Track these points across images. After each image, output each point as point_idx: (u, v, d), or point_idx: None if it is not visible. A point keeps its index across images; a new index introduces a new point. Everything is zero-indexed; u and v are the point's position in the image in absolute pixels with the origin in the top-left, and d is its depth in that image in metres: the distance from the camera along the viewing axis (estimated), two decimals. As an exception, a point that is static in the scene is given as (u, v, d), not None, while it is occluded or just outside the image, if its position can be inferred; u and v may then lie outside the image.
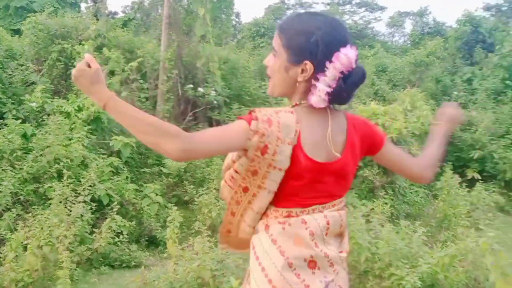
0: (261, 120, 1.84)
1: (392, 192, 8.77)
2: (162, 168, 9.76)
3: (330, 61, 1.88)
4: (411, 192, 9.64)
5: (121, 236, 7.29)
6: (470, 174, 12.24)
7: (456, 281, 5.66)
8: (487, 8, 29.32)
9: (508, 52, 15.99)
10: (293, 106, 1.98)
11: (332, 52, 1.88)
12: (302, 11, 2.12)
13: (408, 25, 32.38)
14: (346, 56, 1.89)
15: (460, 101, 15.03)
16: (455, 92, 15.96)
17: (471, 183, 10.69)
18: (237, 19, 26.42)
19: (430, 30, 25.01)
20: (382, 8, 34.25)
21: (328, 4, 34.06)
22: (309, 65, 1.90)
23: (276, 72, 1.99)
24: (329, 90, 1.90)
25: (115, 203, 7.53)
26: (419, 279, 5.27)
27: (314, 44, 1.90)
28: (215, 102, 12.41)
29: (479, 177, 11.84)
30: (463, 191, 9.23)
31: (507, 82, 15.57)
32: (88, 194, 7.29)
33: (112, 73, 10.56)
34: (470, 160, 12.73)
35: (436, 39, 18.05)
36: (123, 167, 9.02)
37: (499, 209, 10.49)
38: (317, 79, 1.91)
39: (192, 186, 9.24)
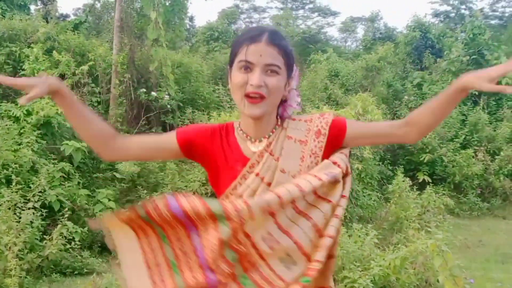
0: None
1: (345, 196, 8.85)
2: (115, 173, 9.62)
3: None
4: (364, 196, 9.75)
5: (72, 243, 7.18)
6: (420, 177, 12.49)
7: (408, 283, 5.77)
8: (436, 14, 30.04)
9: (456, 57, 16.38)
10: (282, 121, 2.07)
11: None
12: (270, 25, 2.10)
13: (360, 30, 32.76)
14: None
15: (410, 105, 15.33)
16: (406, 97, 16.23)
17: (421, 186, 10.91)
18: (190, 23, 26.32)
19: (382, 36, 25.39)
20: (335, 14, 34.69)
21: (282, 9, 34.33)
22: (292, 79, 2.02)
23: (278, 91, 1.95)
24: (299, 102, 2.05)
25: (67, 209, 7.40)
26: (371, 282, 5.35)
27: (294, 57, 2.01)
28: (168, 106, 12.34)
29: (430, 180, 12.11)
30: (414, 194, 9.40)
31: (456, 87, 15.88)
32: (38, 200, 7.15)
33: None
34: (420, 163, 12.99)
35: (387, 44, 18.29)
36: (75, 172, 8.87)
37: (448, 211, 10.70)
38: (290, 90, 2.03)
39: (145, 191, 9.15)
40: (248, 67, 1.91)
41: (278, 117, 2.07)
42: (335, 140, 2.04)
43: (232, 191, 2.02)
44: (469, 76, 1.87)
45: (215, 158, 2.07)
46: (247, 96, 1.91)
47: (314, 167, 1.98)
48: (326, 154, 2.02)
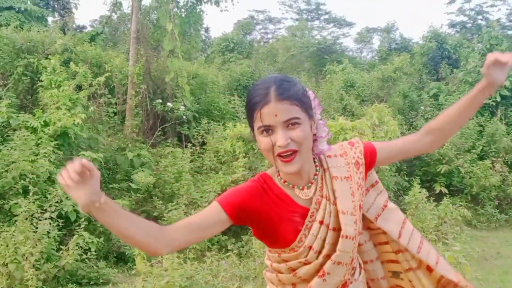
0: None
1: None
2: (130, 184, 9.66)
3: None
4: (380, 207, 9.69)
5: (88, 253, 7.20)
6: (437, 188, 12.39)
7: (425, 295, 5.69)
8: (452, 25, 29.89)
9: (472, 68, 16.28)
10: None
11: None
12: (273, 74, 2.09)
13: (376, 41, 32.72)
14: (313, 97, 2.06)
15: (427, 116, 15.25)
16: (422, 107, 16.16)
17: (438, 197, 10.83)
18: (206, 34, 26.43)
19: (397, 46, 25.34)
20: (350, 24, 34.63)
21: (297, 19, 34.33)
22: (312, 117, 2.01)
23: (306, 140, 1.93)
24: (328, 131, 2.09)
25: (83, 219, 7.43)
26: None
27: (308, 93, 2.02)
28: (184, 117, 12.38)
29: (446, 191, 12.01)
30: (431, 205, 9.34)
31: (472, 97, 15.80)
32: (54, 211, 7.19)
33: (79, 87, 10.45)
34: (437, 174, 12.89)
35: (403, 55, 18.26)
36: (91, 183, 8.89)
37: (465, 222, 10.62)
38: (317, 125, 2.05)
39: (161, 202, 9.16)
40: (269, 129, 1.89)
41: (314, 155, 2.08)
42: (370, 165, 2.13)
43: (299, 243, 2.01)
44: (489, 86, 2.06)
45: (269, 216, 2.02)
46: (279, 156, 1.90)
47: (362, 198, 2.08)
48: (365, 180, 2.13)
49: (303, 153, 1.93)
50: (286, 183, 2.04)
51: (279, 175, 2.06)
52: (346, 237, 1.98)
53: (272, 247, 2.10)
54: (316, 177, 2.05)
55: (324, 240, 1.99)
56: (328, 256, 2.00)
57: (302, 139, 1.89)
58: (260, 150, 1.98)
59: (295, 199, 2.03)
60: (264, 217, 2.01)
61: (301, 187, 2.03)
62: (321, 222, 1.99)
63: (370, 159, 2.12)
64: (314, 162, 2.07)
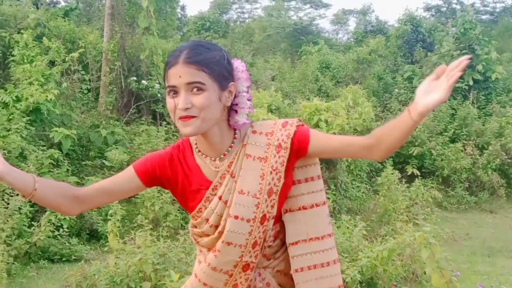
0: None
1: (334, 187, 8.91)
2: (104, 161, 9.61)
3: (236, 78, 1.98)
4: (353, 188, 9.80)
5: (61, 230, 7.20)
6: (409, 170, 12.55)
7: (395, 274, 5.82)
8: (427, 8, 30.09)
9: (446, 51, 16.44)
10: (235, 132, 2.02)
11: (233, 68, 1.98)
12: (196, 39, 2.04)
13: (352, 23, 32.78)
14: (244, 69, 2.00)
15: (400, 99, 15.39)
16: (396, 90, 16.31)
17: (410, 179, 10.98)
18: (182, 12, 26.19)
19: (373, 29, 25.39)
20: (326, 6, 34.64)
21: (273, 0, 34.22)
22: (234, 86, 1.95)
23: (209, 107, 1.87)
24: (251, 104, 2.01)
25: (55, 196, 7.37)
26: (358, 273, 5.39)
27: (229, 64, 1.95)
28: (159, 95, 12.30)
29: (418, 173, 12.18)
30: (403, 187, 9.47)
31: (446, 81, 15.96)
32: (26, 187, 7.12)
33: (52, 63, 10.32)
34: (409, 156, 13.04)
35: (378, 37, 18.35)
36: (64, 160, 8.84)
37: (436, 204, 10.80)
38: (236, 98, 1.98)
39: (134, 180, 9.11)
40: (174, 91, 1.88)
41: (234, 128, 2.02)
42: (298, 152, 1.99)
43: (198, 213, 2.02)
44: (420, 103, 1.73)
45: (179, 185, 2.05)
46: (180, 119, 1.87)
47: (275, 183, 1.95)
48: (290, 166, 2.00)
49: (203, 121, 1.87)
50: (200, 153, 2.03)
51: (196, 143, 2.05)
52: (236, 217, 1.94)
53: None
54: (230, 149, 2.00)
55: (221, 216, 1.97)
56: (221, 233, 1.99)
57: (204, 105, 1.85)
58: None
59: (204, 170, 2.02)
60: (173, 184, 2.05)
61: (213, 159, 2.00)
62: (220, 198, 1.97)
63: (298, 146, 1.97)
64: (235, 134, 2.02)
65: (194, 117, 1.85)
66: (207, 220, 1.99)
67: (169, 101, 1.89)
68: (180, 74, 1.85)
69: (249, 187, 1.95)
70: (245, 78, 1.99)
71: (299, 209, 2.03)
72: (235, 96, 1.97)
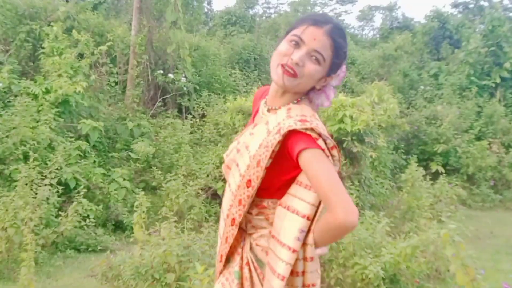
0: (324, 138, 1.89)
1: (358, 183, 8.89)
2: (130, 153, 9.72)
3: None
4: (376, 184, 9.77)
5: (87, 220, 7.29)
6: (434, 167, 12.49)
7: (418, 271, 5.80)
8: (455, 5, 29.71)
9: (473, 48, 16.27)
10: (293, 103, 2.08)
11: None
12: (339, 23, 2.08)
13: (378, 19, 32.70)
14: (344, 74, 2.14)
15: (426, 95, 15.28)
16: (422, 87, 16.21)
17: (434, 176, 10.91)
18: (208, 7, 26.19)
19: (399, 25, 25.24)
20: (352, 1, 34.33)
21: (300, -6, 34.06)
22: (331, 79, 2.07)
23: (310, 79, 1.99)
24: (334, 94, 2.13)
25: (82, 186, 7.50)
26: (381, 269, 5.39)
27: (344, 62, 2.09)
28: (185, 88, 12.40)
29: (443, 171, 12.09)
30: (427, 184, 9.41)
31: (472, 78, 15.87)
32: (54, 177, 7.25)
33: (81, 56, 10.45)
34: (434, 153, 12.97)
35: (404, 34, 18.22)
36: (91, 151, 8.98)
37: (461, 202, 10.73)
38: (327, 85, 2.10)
39: (160, 172, 9.23)
40: (298, 43, 1.96)
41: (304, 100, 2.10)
42: (288, 155, 1.93)
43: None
44: None
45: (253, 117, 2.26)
46: (283, 66, 1.96)
47: (263, 159, 1.93)
48: (283, 154, 1.94)
49: (297, 84, 1.99)
50: (264, 101, 2.18)
51: (266, 95, 2.19)
52: (237, 165, 2.08)
53: None
54: (280, 109, 2.06)
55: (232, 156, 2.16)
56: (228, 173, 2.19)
57: (309, 75, 1.97)
58: (274, 52, 2.03)
59: (257, 117, 2.20)
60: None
61: (267, 108, 2.12)
62: (238, 142, 2.15)
63: (289, 149, 1.91)
64: (294, 102, 2.07)
65: (295, 76, 1.95)
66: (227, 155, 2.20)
67: (286, 46, 1.99)
68: (316, 37, 1.95)
69: (251, 147, 2.04)
70: (339, 79, 2.11)
71: (286, 207, 2.00)
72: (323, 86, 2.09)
